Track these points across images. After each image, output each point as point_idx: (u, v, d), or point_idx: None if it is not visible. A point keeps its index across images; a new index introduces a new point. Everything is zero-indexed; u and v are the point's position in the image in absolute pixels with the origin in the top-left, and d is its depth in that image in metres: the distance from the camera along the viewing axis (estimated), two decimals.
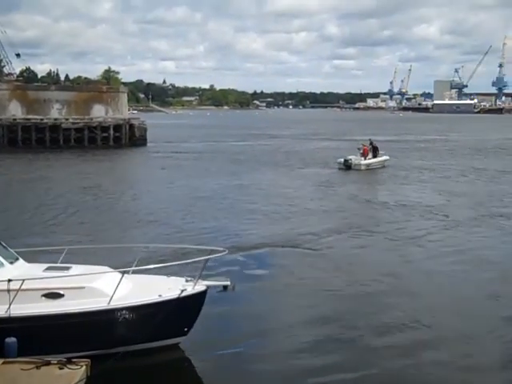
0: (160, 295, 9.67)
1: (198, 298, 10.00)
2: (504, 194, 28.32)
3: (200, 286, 9.92)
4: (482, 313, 12.42)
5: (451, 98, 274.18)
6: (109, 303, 9.37)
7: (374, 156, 38.53)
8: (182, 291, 9.69)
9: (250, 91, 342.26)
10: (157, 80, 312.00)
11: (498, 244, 18.52)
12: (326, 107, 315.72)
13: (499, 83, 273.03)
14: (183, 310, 9.77)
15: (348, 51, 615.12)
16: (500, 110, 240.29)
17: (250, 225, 21.03)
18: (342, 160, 37.57)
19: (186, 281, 10.05)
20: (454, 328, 11.47)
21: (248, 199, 26.71)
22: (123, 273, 9.78)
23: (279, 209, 24.14)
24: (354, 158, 37.56)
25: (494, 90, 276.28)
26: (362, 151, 38.39)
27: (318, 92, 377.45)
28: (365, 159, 37.71)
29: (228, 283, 10.03)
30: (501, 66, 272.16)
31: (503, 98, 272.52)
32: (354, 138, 71.06)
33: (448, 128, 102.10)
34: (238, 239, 18.57)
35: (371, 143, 39.24)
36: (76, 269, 10.03)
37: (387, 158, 40.20)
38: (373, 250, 17.81)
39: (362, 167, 37.17)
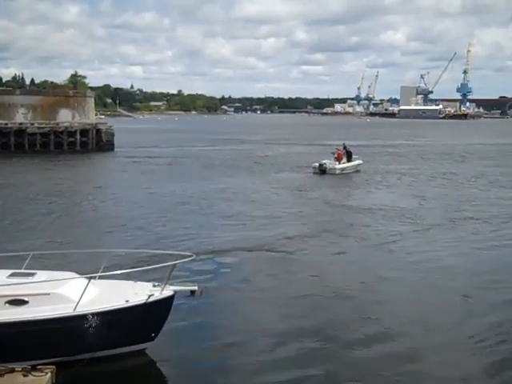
0: (127, 301, 9.53)
1: (166, 303, 9.89)
2: (473, 198, 28.54)
3: (167, 291, 9.81)
4: (453, 319, 12.25)
5: (417, 104, 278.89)
6: (74, 309, 9.20)
7: (348, 160, 38.79)
8: (150, 296, 9.59)
9: (219, 96, 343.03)
10: (124, 85, 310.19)
11: (470, 248, 18.50)
12: (294, 112, 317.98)
13: (463, 89, 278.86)
14: (150, 316, 9.67)
15: (316, 57, 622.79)
16: (464, 116, 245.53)
17: (224, 229, 20.74)
18: (317, 164, 37.63)
19: (154, 286, 9.94)
20: (424, 335, 11.29)
21: (222, 204, 26.35)
22: (89, 278, 9.57)
23: (254, 213, 23.82)
24: (329, 163, 37.69)
25: (458, 96, 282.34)
26: (336, 155, 38.51)
27: (286, 97, 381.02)
28: (339, 163, 37.84)
29: (195, 288, 9.94)
30: (465, 72, 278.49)
31: (467, 103, 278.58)
32: (324, 142, 71.50)
33: (415, 133, 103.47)
34: (211, 243, 18.28)
35: (345, 147, 39.49)
36: (41, 275, 9.76)
37: (361, 162, 40.57)
38: (346, 254, 17.63)
39: (337, 171, 37.31)
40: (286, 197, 28.95)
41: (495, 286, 14.30)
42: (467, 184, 34.24)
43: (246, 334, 11.11)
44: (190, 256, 10.10)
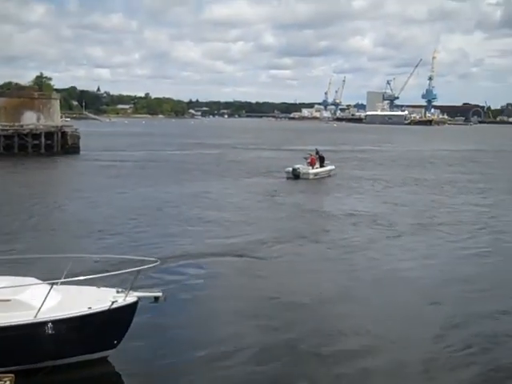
0: (89, 307, 9.35)
1: (129, 310, 9.74)
2: (444, 205, 28.65)
3: (131, 298, 9.68)
4: (423, 321, 12.32)
5: (383, 109, 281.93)
6: (36, 316, 8.98)
7: (321, 166, 39.10)
8: (113, 303, 9.43)
9: (186, 100, 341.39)
10: (91, 87, 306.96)
11: (441, 252, 18.67)
12: (261, 117, 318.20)
13: (429, 95, 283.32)
14: (113, 323, 9.54)
15: (284, 61, 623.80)
16: (429, 122, 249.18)
17: (193, 234, 20.48)
18: (291, 169, 37.60)
19: (117, 292, 9.76)
20: (395, 337, 11.32)
21: (194, 209, 25.99)
22: (51, 284, 9.35)
23: (226, 218, 23.51)
24: (302, 167, 37.75)
25: (423, 102, 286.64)
26: (308, 160, 38.66)
27: (254, 101, 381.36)
28: (312, 168, 38.00)
29: (160, 294, 9.81)
30: (430, 78, 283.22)
31: (432, 110, 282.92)
32: (292, 148, 71.87)
33: (382, 139, 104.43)
34: (180, 248, 18.06)
35: (317, 153, 39.74)
36: (1, 280, 9.47)
37: (333, 167, 40.89)
38: (317, 259, 17.59)
39: (311, 176, 37.43)
40: (260, 202, 28.70)
41: (469, 294, 14.23)
42: (437, 190, 34.40)
43: (210, 342, 10.97)
44: (155, 261, 9.92)
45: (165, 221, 22.98)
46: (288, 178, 37.39)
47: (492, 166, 51.72)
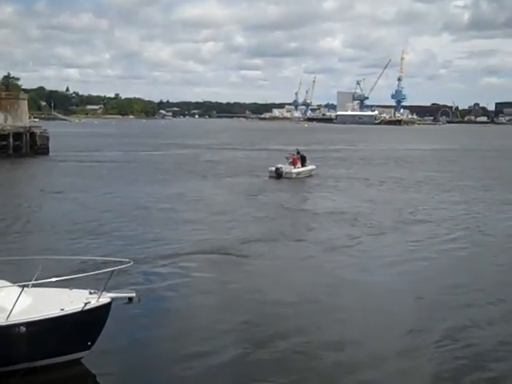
0: (62, 309, 9.25)
1: (102, 311, 9.64)
2: (421, 202, 28.86)
3: (104, 299, 9.57)
4: (409, 324, 12.14)
5: (353, 110, 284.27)
6: (7, 319, 8.86)
7: (302, 165, 39.52)
8: (86, 304, 9.31)
9: (156, 100, 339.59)
10: (60, 87, 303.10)
11: (423, 252, 18.51)
12: (232, 117, 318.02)
13: (398, 96, 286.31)
14: (87, 324, 9.41)
15: (255, 62, 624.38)
16: (399, 122, 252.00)
17: (175, 233, 20.43)
18: (274, 168, 37.96)
19: (90, 293, 9.65)
20: (381, 342, 11.19)
21: (176, 208, 25.77)
22: (23, 286, 9.22)
23: (210, 218, 23.33)
24: (285, 167, 38.13)
25: (393, 103, 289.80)
26: (290, 160, 39.10)
27: (225, 102, 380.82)
28: (294, 168, 38.45)
29: (133, 295, 9.78)
30: (399, 79, 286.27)
31: (401, 110, 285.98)
32: (267, 147, 72.04)
33: (354, 138, 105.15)
34: (158, 248, 17.87)
35: (298, 152, 40.13)
36: None
37: (314, 167, 41.24)
38: (299, 257, 17.57)
39: (293, 175, 37.85)
40: (244, 201, 28.63)
41: (450, 290, 14.34)
42: (413, 188, 34.68)
43: (184, 342, 10.84)
44: (128, 262, 9.88)
45: (146, 221, 22.66)
46: (271, 177, 37.75)
47: (465, 165, 52.42)
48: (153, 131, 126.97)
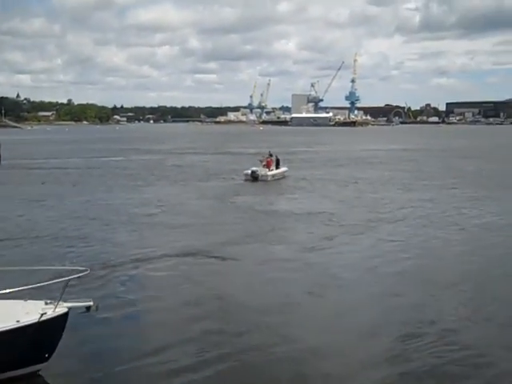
0: (18, 321, 8.96)
1: (59, 322, 9.39)
2: (392, 201, 29.54)
3: (61, 309, 9.33)
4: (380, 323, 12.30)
5: (308, 112, 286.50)
6: None
7: (276, 167, 40.22)
8: (42, 315, 9.05)
9: (110, 106, 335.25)
10: (10, 94, 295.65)
11: (395, 248, 18.98)
12: (187, 121, 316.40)
13: (352, 97, 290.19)
14: (43, 335, 9.19)
15: (210, 65, 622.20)
16: (353, 123, 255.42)
17: (153, 238, 20.38)
18: (249, 171, 38.52)
19: (46, 304, 9.40)
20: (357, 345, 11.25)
21: (156, 214, 25.59)
22: None
23: (183, 221, 23.35)
24: (260, 170, 38.66)
25: (347, 104, 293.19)
26: (264, 163, 39.62)
27: (179, 106, 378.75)
28: (269, 170, 39.06)
29: (91, 304, 9.48)
30: (353, 81, 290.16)
31: (356, 111, 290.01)
32: (230, 151, 72.24)
33: (312, 140, 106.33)
34: (125, 253, 17.80)
35: (271, 155, 40.66)
36: None
37: (286, 169, 42.04)
38: (276, 259, 17.60)
39: (269, 178, 38.45)
40: (224, 204, 28.69)
41: (423, 287, 14.68)
42: (383, 188, 35.33)
43: (145, 351, 10.70)
44: (85, 270, 9.69)
45: (117, 226, 22.48)
46: (246, 180, 38.25)
47: (426, 164, 53.30)
48: (109, 137, 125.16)
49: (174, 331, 11.65)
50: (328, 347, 11.01)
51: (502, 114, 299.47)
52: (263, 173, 38.34)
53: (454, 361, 10.30)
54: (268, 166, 39.37)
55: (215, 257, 17.52)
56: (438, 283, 14.98)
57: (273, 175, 38.99)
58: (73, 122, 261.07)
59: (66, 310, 9.36)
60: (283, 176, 40.55)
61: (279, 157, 41.90)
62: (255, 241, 19.94)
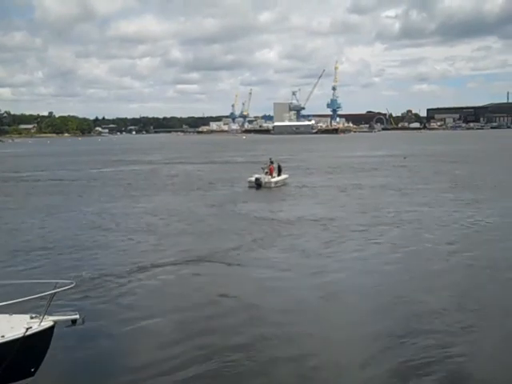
0: (3, 336, 8.86)
1: (45, 336, 9.30)
2: (389, 206, 29.90)
3: (46, 323, 9.23)
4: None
5: (290, 120, 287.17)
6: None
7: (278, 175, 40.88)
8: (27, 329, 8.94)
9: (92, 117, 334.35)
10: None
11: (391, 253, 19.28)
12: (169, 132, 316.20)
13: (333, 105, 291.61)
14: (29, 350, 9.07)
15: (191, 76, 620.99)
16: (335, 131, 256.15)
17: (166, 247, 20.49)
18: (253, 179, 39.31)
19: (31, 318, 9.30)
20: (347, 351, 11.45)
21: (169, 222, 25.87)
22: None
23: (207, 230, 23.60)
24: (264, 177, 39.38)
25: (329, 112, 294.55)
26: (267, 170, 40.29)
27: (161, 117, 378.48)
28: (272, 177, 39.72)
29: (77, 317, 9.36)
30: (334, 88, 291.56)
31: (337, 118, 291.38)
32: (219, 160, 72.14)
33: (298, 148, 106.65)
34: (119, 263, 17.94)
35: (272, 162, 41.26)
36: None
37: (287, 176, 42.60)
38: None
39: (272, 185, 39.22)
40: (233, 213, 28.75)
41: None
42: (381, 193, 35.76)
43: (131, 364, 10.68)
44: (70, 283, 9.56)
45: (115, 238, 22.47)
46: (250, 187, 38.97)
47: (415, 170, 53.55)
48: (94, 149, 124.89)
49: (160, 344, 11.55)
50: None
51: (482, 119, 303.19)
52: (267, 180, 39.14)
53: None
54: (270, 173, 40.08)
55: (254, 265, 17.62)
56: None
57: (276, 182, 39.72)
58: (54, 135, 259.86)
59: (51, 323, 9.25)
60: (284, 183, 41.06)
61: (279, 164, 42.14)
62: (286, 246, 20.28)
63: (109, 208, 30.74)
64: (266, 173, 40.03)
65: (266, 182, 38.93)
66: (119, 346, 11.69)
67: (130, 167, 63.35)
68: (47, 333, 9.25)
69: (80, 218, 27.81)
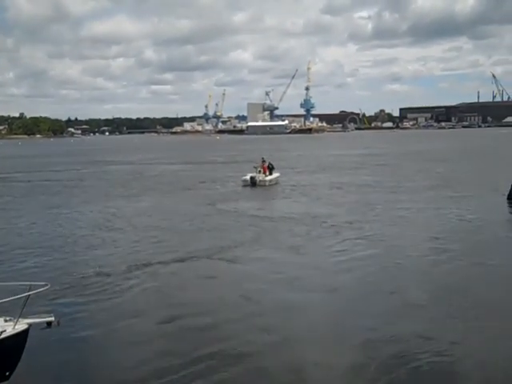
0: None
1: (19, 339, 9.13)
2: (378, 203, 30.38)
3: (21, 325, 9.07)
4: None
5: (264, 120, 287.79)
6: None
7: (270, 173, 41.71)
8: (1, 333, 8.82)
9: (64, 118, 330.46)
10: None
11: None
12: (143, 132, 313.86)
13: (307, 105, 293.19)
14: (3, 353, 8.92)
15: (165, 76, 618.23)
16: (309, 130, 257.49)
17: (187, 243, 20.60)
18: (248, 177, 40.15)
19: (5, 321, 9.16)
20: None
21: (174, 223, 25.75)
22: None
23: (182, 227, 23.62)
24: (258, 176, 40.13)
25: (302, 112, 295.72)
26: (260, 169, 41.11)
27: (135, 117, 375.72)
28: (265, 176, 40.65)
29: (52, 319, 9.30)
30: (307, 88, 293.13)
31: (311, 118, 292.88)
32: (200, 160, 72.12)
33: (274, 148, 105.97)
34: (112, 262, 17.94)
35: (264, 161, 42.08)
36: None
37: (279, 174, 43.31)
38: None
39: (267, 183, 40.26)
40: (232, 210, 28.93)
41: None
42: (370, 191, 36.13)
43: (108, 366, 10.66)
44: (45, 285, 9.38)
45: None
46: (245, 186, 39.65)
47: (397, 168, 54.00)
48: (68, 150, 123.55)
49: (137, 346, 11.45)
50: None
51: (453, 119, 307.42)
52: (261, 178, 40.04)
53: None
54: (264, 171, 40.99)
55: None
56: None
57: (270, 180, 40.65)
58: (26, 136, 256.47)
59: (26, 326, 9.12)
60: (277, 181, 41.82)
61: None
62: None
63: (105, 208, 30.58)
64: (259, 171, 40.82)
65: (260, 181, 39.87)
66: (95, 349, 11.54)
67: (114, 167, 62.92)
68: (21, 336, 9.09)
69: (80, 217, 27.77)
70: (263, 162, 41.92)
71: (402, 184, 39.33)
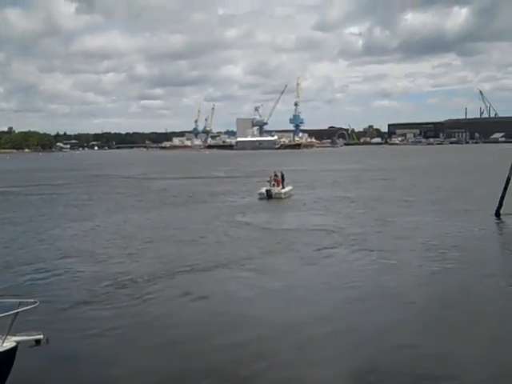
0: None
1: (7, 357, 9.07)
2: (392, 215, 31.32)
3: (9, 343, 9.02)
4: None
5: (253, 135, 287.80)
6: None
7: (283, 186, 43.10)
8: None
9: (53, 133, 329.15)
10: None
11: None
12: (132, 147, 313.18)
13: (296, 120, 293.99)
14: None
15: (156, 91, 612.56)
16: (298, 146, 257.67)
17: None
18: (264, 190, 41.60)
19: None
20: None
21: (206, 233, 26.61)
22: None
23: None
24: (273, 188, 41.67)
25: (291, 127, 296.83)
26: (273, 182, 42.53)
27: (124, 132, 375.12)
28: (280, 189, 42.20)
29: (41, 337, 9.29)
30: (296, 104, 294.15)
31: (300, 134, 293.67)
32: (198, 175, 72.14)
33: (265, 163, 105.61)
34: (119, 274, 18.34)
35: (276, 175, 43.31)
36: None
37: (291, 187, 44.81)
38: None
39: (282, 195, 41.76)
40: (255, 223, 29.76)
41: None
42: (378, 205, 36.81)
43: None
44: (34, 303, 9.37)
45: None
46: (261, 199, 40.89)
47: (395, 183, 54.72)
48: (59, 164, 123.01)
49: (132, 364, 11.46)
50: None
51: (441, 135, 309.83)
52: (277, 191, 41.52)
53: None
54: (278, 184, 42.34)
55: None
56: None
57: (285, 193, 42.12)
58: (14, 150, 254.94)
59: (14, 344, 9.03)
60: (290, 194, 43.19)
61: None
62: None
63: (127, 219, 31.61)
64: (273, 185, 42.13)
65: (275, 193, 41.28)
66: (84, 367, 11.40)
67: (114, 182, 62.90)
68: (9, 354, 9.00)
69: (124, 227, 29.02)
70: (275, 176, 43.12)
71: (404, 198, 40.08)
